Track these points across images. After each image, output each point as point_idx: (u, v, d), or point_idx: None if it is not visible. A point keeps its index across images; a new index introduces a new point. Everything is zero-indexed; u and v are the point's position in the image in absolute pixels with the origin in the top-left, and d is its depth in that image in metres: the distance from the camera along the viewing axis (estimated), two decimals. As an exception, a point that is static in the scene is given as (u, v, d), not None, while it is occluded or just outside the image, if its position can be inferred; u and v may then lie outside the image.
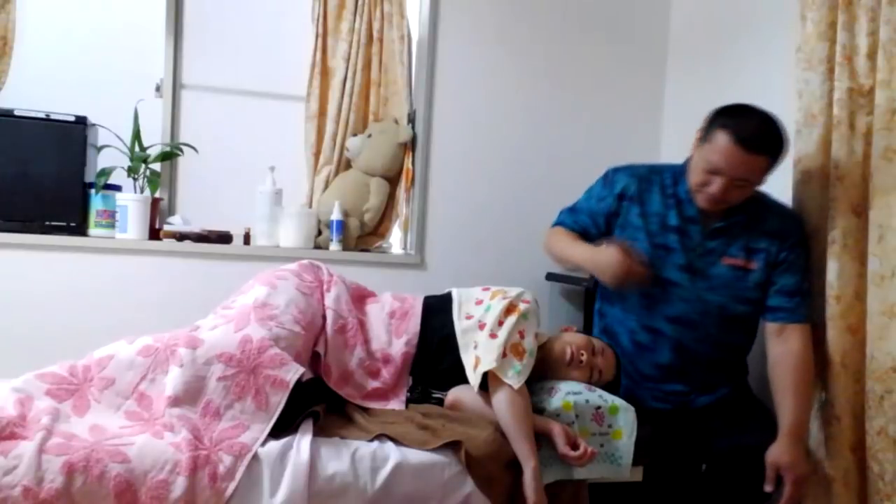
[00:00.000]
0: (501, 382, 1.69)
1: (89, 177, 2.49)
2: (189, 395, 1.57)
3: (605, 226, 2.06)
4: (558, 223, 2.14)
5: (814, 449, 1.98)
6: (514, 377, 1.68)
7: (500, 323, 1.77)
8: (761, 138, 1.79)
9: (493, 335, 1.75)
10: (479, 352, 1.76)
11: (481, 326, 1.80)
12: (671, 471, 1.98)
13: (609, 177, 2.10)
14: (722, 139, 1.80)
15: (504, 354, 1.71)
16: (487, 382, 1.72)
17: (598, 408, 1.77)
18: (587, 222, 2.07)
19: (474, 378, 1.74)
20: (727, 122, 1.82)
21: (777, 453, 1.77)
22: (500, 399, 1.68)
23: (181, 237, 2.57)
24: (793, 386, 1.86)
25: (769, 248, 1.94)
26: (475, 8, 2.81)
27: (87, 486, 1.37)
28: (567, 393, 1.77)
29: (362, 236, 2.79)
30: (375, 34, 2.77)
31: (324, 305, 1.87)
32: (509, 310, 1.80)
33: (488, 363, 1.70)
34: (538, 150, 2.88)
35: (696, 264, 1.96)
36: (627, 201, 2.03)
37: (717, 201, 1.88)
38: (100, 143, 2.56)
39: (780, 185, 2.19)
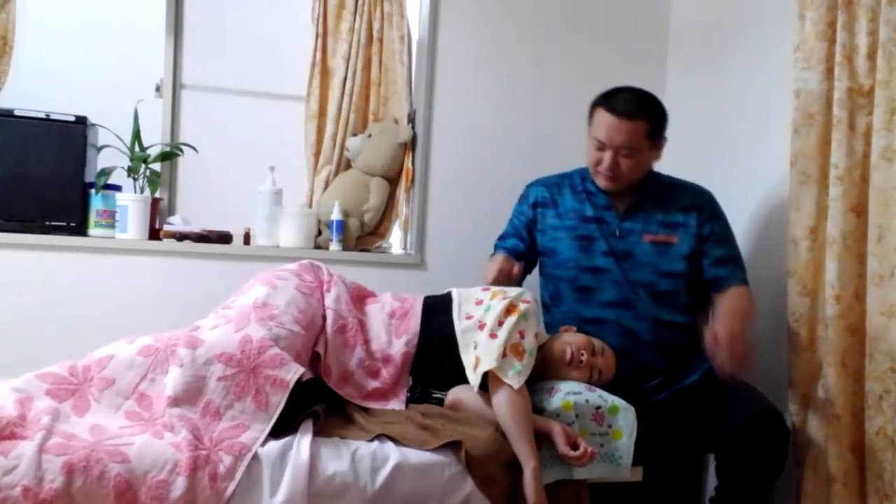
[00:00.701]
0: (501, 383, 1.68)
1: (89, 177, 2.49)
2: (189, 395, 1.57)
3: (530, 236, 2.22)
4: (493, 253, 2.24)
5: (813, 448, 1.99)
6: (514, 377, 1.68)
7: (500, 323, 1.77)
8: (631, 104, 2.00)
9: (492, 335, 1.75)
10: (478, 352, 1.76)
11: (481, 326, 1.80)
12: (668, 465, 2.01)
13: (523, 192, 2.29)
14: (599, 115, 2.02)
15: (504, 354, 1.71)
16: (487, 383, 1.72)
17: (598, 408, 1.77)
18: (514, 241, 2.22)
19: (474, 378, 1.74)
20: (601, 100, 2.04)
21: (715, 325, 1.84)
22: (500, 399, 1.68)
23: (181, 237, 2.56)
24: (731, 302, 1.95)
25: (687, 220, 2.07)
26: (475, 8, 2.81)
27: (87, 486, 1.37)
28: (567, 393, 1.77)
29: (362, 236, 2.79)
30: (375, 34, 2.77)
31: (324, 305, 1.87)
32: (509, 310, 1.79)
33: (488, 363, 1.70)
34: (538, 151, 2.87)
35: (619, 247, 2.07)
36: (542, 208, 2.20)
37: (612, 176, 2.04)
38: (100, 143, 2.56)
39: (778, 185, 2.19)
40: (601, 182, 2.08)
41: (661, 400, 2.03)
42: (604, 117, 2.00)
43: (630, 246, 2.08)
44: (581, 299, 2.09)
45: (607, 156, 2.01)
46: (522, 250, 2.18)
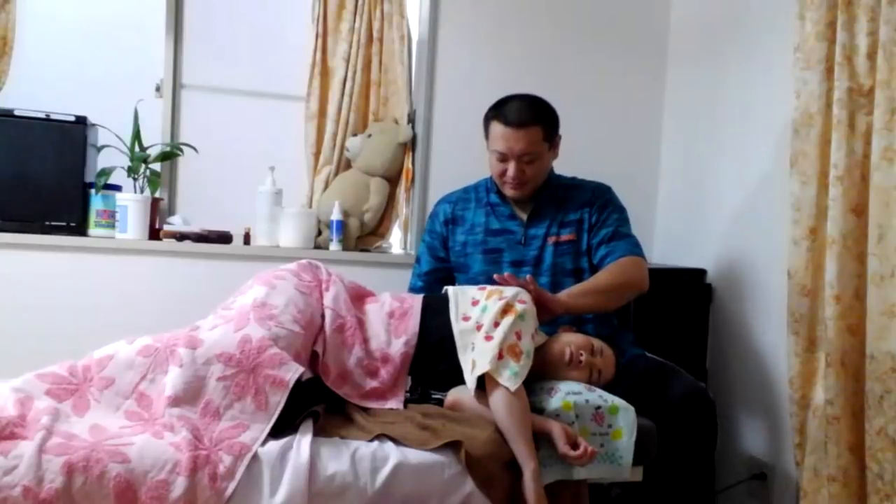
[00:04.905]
0: (498, 385, 1.67)
1: (89, 177, 2.49)
2: (189, 395, 1.57)
3: (446, 252, 2.27)
4: (410, 287, 2.31)
5: (813, 449, 1.99)
6: (511, 379, 1.67)
7: (496, 324, 1.76)
8: (523, 111, 2.05)
9: (488, 337, 1.74)
10: (475, 354, 1.75)
11: (478, 328, 1.79)
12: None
13: (432, 211, 2.35)
14: (495, 128, 2.07)
15: (500, 356, 1.70)
16: (485, 384, 1.71)
17: (598, 408, 1.77)
18: (432, 261, 2.28)
19: (471, 381, 1.73)
20: (495, 112, 2.09)
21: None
22: (497, 401, 1.67)
23: (181, 237, 2.57)
24: (595, 277, 2.01)
25: (582, 216, 2.12)
26: (475, 8, 2.81)
27: (87, 486, 1.37)
28: (567, 393, 1.77)
29: (362, 236, 2.79)
30: (375, 34, 2.77)
31: (322, 304, 1.87)
32: (506, 310, 1.78)
33: (483, 366, 1.69)
34: (538, 150, 2.88)
35: (528, 255, 2.13)
36: (451, 224, 2.26)
37: (518, 183, 2.09)
38: (100, 143, 2.56)
39: (778, 185, 2.19)
40: (509, 192, 2.14)
41: None
42: (499, 129, 2.06)
43: (536, 252, 2.13)
44: None
45: (511, 166, 2.06)
46: (441, 266, 2.27)
